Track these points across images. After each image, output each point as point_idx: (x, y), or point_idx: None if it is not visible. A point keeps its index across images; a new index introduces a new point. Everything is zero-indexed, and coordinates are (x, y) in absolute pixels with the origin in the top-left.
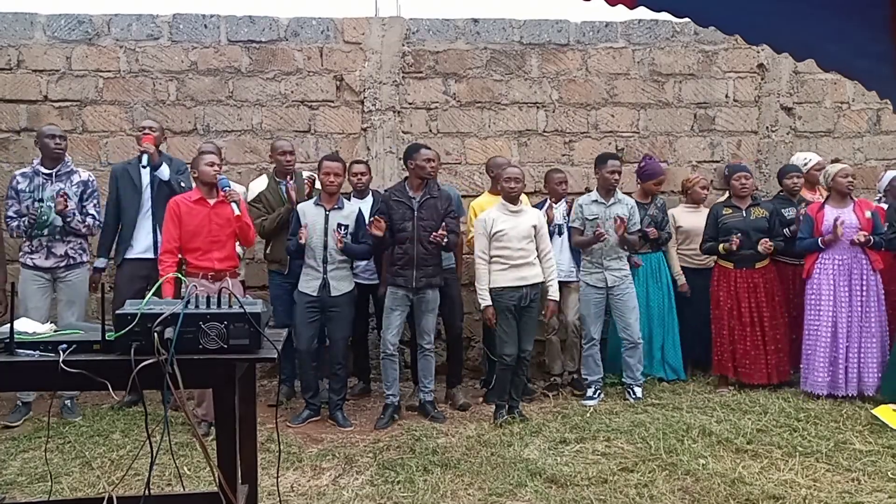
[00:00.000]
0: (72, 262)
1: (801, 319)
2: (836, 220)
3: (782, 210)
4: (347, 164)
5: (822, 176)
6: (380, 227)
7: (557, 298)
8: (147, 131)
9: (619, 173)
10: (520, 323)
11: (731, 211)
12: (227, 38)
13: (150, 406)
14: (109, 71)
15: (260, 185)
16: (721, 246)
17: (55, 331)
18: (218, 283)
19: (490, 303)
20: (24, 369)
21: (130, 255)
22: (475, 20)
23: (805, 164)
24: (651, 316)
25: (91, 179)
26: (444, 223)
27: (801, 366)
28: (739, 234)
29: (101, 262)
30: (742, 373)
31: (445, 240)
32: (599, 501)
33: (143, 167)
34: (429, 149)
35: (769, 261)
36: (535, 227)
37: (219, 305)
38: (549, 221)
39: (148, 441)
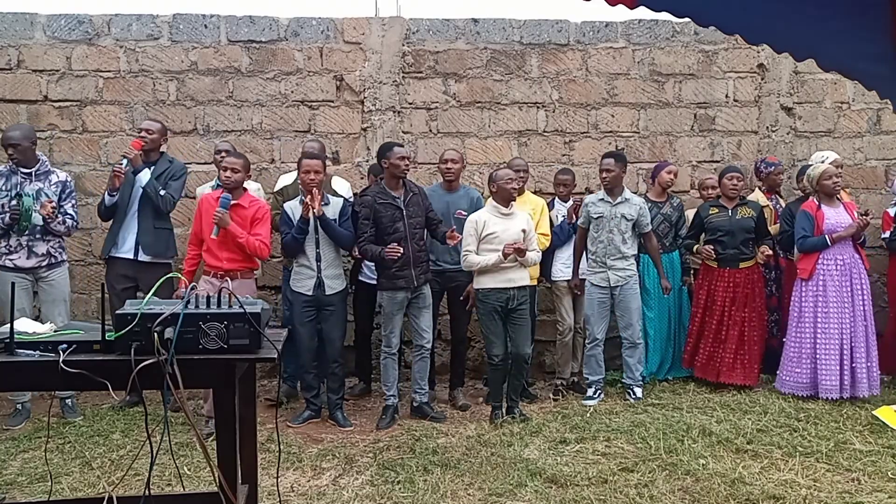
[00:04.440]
0: (53, 261)
1: (781, 320)
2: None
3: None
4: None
5: (805, 178)
6: (395, 252)
7: (530, 251)
8: (143, 134)
9: (609, 171)
10: (510, 326)
11: (717, 210)
12: (227, 38)
13: (150, 406)
14: (109, 71)
15: (288, 179)
16: (696, 247)
17: (55, 331)
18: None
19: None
20: (25, 369)
21: (115, 253)
22: (475, 20)
23: (822, 162)
24: (664, 318)
25: (69, 180)
26: (451, 227)
27: (796, 369)
28: (710, 248)
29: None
30: (697, 367)
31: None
32: (599, 501)
33: (123, 172)
34: (401, 146)
35: (754, 262)
36: (524, 230)
37: (219, 305)
38: (572, 219)
39: (148, 441)
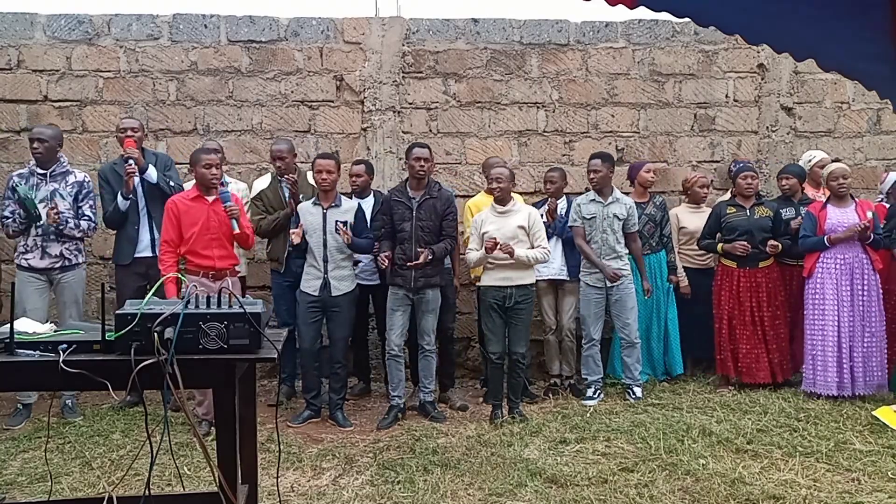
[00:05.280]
0: (67, 263)
1: (798, 319)
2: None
3: (780, 210)
4: (348, 164)
5: (822, 176)
6: (384, 262)
7: (518, 252)
8: (129, 133)
9: (595, 172)
10: (508, 324)
11: (734, 210)
12: (227, 38)
13: (150, 406)
14: (109, 71)
15: (262, 183)
16: (719, 246)
17: (55, 331)
18: (218, 281)
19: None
20: (25, 369)
21: (136, 254)
22: (475, 20)
23: (809, 162)
24: (650, 316)
25: (87, 180)
26: (433, 246)
27: (805, 366)
28: (745, 243)
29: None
30: (744, 372)
31: (430, 256)
32: (599, 501)
33: (129, 174)
34: (424, 147)
35: (773, 260)
36: (523, 227)
37: (219, 305)
38: (552, 219)
39: (148, 441)
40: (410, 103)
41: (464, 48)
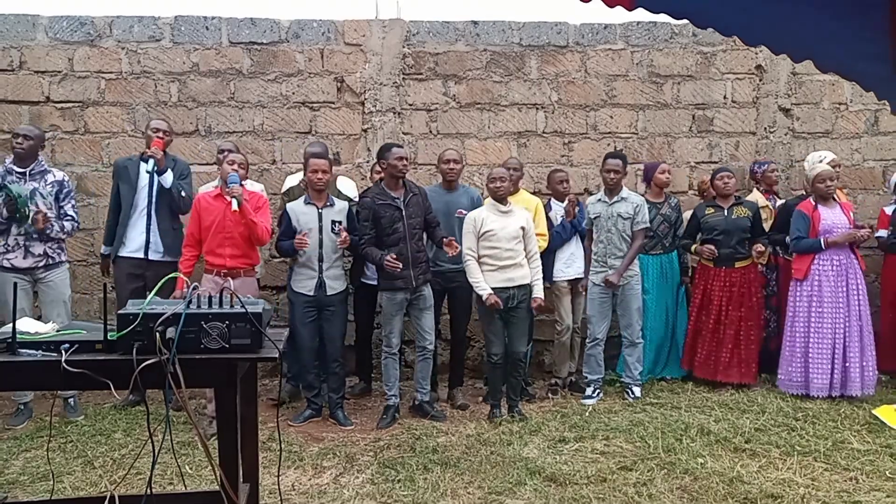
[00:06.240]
0: (51, 261)
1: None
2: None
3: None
4: (370, 166)
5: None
6: (395, 265)
7: (542, 296)
8: (160, 134)
9: (616, 172)
10: (508, 324)
11: (713, 210)
12: (228, 39)
13: (152, 405)
14: (111, 72)
15: (294, 180)
16: (693, 247)
17: (57, 330)
18: (230, 279)
19: (490, 291)
20: (27, 369)
21: (123, 252)
22: (475, 22)
23: (820, 162)
24: (661, 317)
25: (66, 179)
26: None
27: (792, 366)
28: (712, 247)
29: (105, 250)
30: (696, 367)
31: (460, 248)
32: (598, 500)
33: (147, 172)
34: (400, 147)
35: (750, 261)
36: (523, 228)
37: (220, 305)
38: (572, 218)
39: (150, 440)
40: (410, 105)
41: (463, 50)
